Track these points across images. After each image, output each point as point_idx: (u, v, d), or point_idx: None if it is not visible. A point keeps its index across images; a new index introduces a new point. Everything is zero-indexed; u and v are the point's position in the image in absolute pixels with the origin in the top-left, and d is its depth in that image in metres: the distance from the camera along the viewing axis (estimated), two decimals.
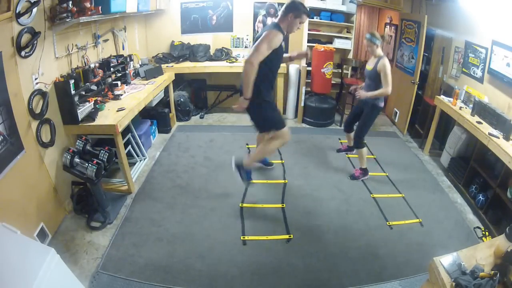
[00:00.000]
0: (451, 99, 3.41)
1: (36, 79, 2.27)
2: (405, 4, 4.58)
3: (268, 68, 2.39)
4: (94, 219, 2.57)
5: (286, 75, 4.63)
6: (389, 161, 3.64)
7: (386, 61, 2.89)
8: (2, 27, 1.93)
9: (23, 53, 2.09)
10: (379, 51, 2.98)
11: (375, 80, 2.99)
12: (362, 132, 3.19)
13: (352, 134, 3.49)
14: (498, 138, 2.64)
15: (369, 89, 3.08)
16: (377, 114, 3.19)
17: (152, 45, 4.58)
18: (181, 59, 4.47)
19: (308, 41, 4.61)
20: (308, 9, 2.44)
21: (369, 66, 3.07)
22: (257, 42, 2.29)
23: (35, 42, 2.18)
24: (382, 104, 3.10)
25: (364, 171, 3.29)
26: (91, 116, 2.62)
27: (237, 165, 2.70)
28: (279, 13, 2.44)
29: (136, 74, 3.84)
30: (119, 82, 3.34)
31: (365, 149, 3.26)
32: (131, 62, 3.78)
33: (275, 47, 2.30)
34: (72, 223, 2.56)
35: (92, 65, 2.95)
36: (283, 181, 3.20)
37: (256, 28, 4.70)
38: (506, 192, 2.54)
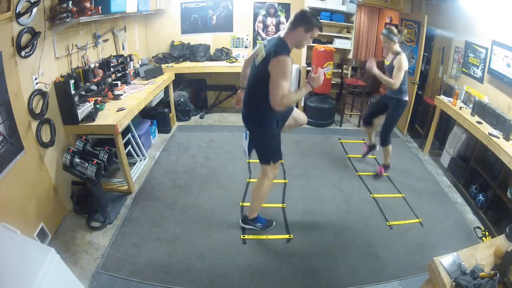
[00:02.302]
0: (451, 99, 3.40)
1: (36, 79, 2.26)
2: (405, 4, 4.59)
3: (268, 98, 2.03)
4: (94, 219, 2.56)
5: None
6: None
7: (402, 58, 2.83)
8: (2, 27, 1.93)
9: (23, 53, 2.09)
10: (396, 47, 2.91)
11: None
12: (388, 130, 3.16)
13: (371, 128, 3.47)
14: (498, 138, 2.64)
15: None
16: (403, 109, 3.12)
17: (152, 45, 4.57)
18: (181, 59, 4.47)
19: None
20: (320, 21, 2.03)
21: (387, 61, 3.04)
22: (272, 80, 1.91)
23: (35, 42, 2.18)
24: (407, 98, 3.05)
25: (386, 167, 3.28)
26: (91, 116, 2.62)
27: (243, 222, 2.54)
28: (287, 25, 2.03)
29: (136, 74, 3.84)
30: (119, 82, 3.33)
31: (390, 146, 3.22)
32: (131, 62, 3.77)
33: (290, 74, 1.95)
34: (72, 223, 2.56)
35: (92, 65, 2.95)
36: (283, 180, 3.20)
37: (256, 28, 4.71)
38: (506, 192, 2.54)
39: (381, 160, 3.43)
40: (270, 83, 1.93)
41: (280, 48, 1.96)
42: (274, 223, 2.59)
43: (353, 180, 3.29)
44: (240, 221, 2.57)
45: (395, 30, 2.89)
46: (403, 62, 2.82)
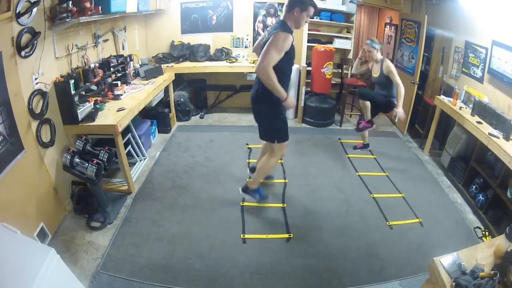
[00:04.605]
0: (451, 99, 3.40)
1: (36, 79, 2.26)
2: (405, 4, 4.59)
3: (281, 72, 2.23)
4: (94, 219, 2.56)
5: None
6: (389, 161, 3.64)
7: (388, 62, 3.11)
8: (2, 27, 1.93)
9: (23, 53, 2.09)
10: (378, 55, 3.21)
11: (386, 84, 3.17)
12: (371, 98, 3.43)
13: (365, 132, 3.72)
14: (498, 138, 2.64)
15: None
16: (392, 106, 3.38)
17: (152, 45, 4.57)
18: (181, 59, 4.47)
19: (308, 41, 4.61)
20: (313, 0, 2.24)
21: (375, 74, 3.21)
22: (265, 46, 2.13)
23: (35, 42, 2.18)
24: (395, 100, 3.29)
25: (370, 123, 3.51)
26: (91, 116, 2.62)
27: (244, 191, 2.74)
28: (284, 9, 2.27)
29: (136, 74, 3.84)
30: (119, 82, 3.33)
31: (368, 103, 3.49)
32: (131, 62, 3.77)
33: (286, 50, 2.16)
34: (72, 223, 2.56)
35: (92, 65, 2.95)
36: (283, 180, 3.20)
37: (256, 28, 4.71)
38: (506, 192, 2.54)
39: (382, 161, 3.45)
40: (263, 49, 2.13)
41: (280, 27, 2.19)
42: (269, 196, 2.81)
43: (353, 180, 3.29)
44: (240, 190, 2.72)
45: (377, 40, 3.23)
46: (392, 65, 3.12)
